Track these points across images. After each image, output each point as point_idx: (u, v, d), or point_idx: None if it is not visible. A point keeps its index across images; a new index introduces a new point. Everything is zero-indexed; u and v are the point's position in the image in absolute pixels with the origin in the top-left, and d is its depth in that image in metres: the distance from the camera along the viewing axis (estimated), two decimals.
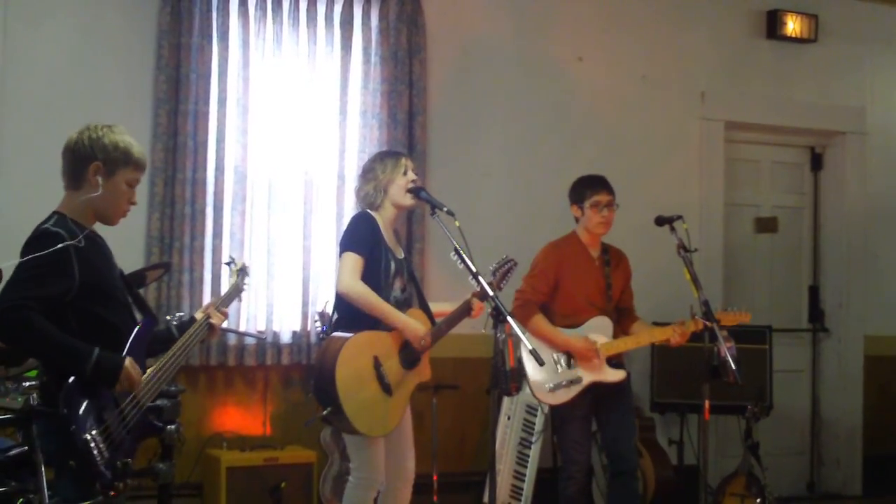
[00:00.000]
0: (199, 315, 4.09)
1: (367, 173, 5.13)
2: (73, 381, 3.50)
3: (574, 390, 5.71)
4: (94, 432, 3.49)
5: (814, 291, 8.58)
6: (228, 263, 4.51)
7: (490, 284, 4.78)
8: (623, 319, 5.95)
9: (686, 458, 7.23)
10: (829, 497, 8.35)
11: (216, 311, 4.09)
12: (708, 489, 6.48)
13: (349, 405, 4.72)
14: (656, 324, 6.13)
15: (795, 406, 8.39)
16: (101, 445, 3.50)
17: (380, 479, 4.97)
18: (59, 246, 3.51)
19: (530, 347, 4.39)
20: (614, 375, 5.75)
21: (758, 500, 6.74)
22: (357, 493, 4.97)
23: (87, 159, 3.71)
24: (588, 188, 5.88)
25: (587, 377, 5.72)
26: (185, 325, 4.04)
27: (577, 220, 5.94)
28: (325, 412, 4.76)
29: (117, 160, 3.73)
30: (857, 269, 8.47)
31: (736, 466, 6.92)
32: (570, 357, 5.75)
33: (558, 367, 5.73)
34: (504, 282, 5.06)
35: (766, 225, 8.36)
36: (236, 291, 4.40)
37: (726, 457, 7.63)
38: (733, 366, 5.31)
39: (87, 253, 3.62)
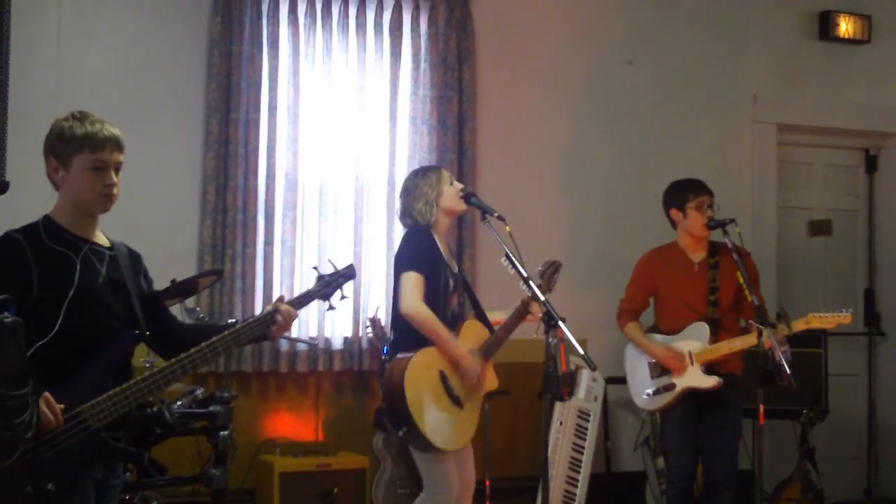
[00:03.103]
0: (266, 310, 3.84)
1: (413, 191, 5.06)
2: None
3: (668, 397, 5.84)
4: None
5: (869, 295, 8.46)
6: (315, 268, 4.22)
7: (539, 287, 4.78)
8: (746, 320, 5.91)
9: (740, 462, 7.15)
10: (886, 502, 8.23)
11: (287, 307, 3.81)
12: (763, 494, 6.42)
13: (423, 422, 4.74)
14: None
15: (852, 410, 8.28)
16: None
17: (453, 497, 4.95)
18: None
19: (582, 352, 4.37)
20: (706, 382, 5.77)
21: None
22: None
23: (46, 160, 3.48)
24: (689, 191, 5.89)
25: (680, 383, 5.80)
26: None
27: (675, 225, 5.98)
28: (400, 433, 4.78)
29: (67, 149, 3.43)
30: None
31: (791, 471, 6.85)
32: None
33: (654, 374, 5.88)
34: (552, 284, 5.06)
35: (820, 228, 8.28)
36: (308, 296, 4.08)
37: (781, 462, 7.54)
38: (788, 370, 5.27)
39: (56, 258, 3.40)
